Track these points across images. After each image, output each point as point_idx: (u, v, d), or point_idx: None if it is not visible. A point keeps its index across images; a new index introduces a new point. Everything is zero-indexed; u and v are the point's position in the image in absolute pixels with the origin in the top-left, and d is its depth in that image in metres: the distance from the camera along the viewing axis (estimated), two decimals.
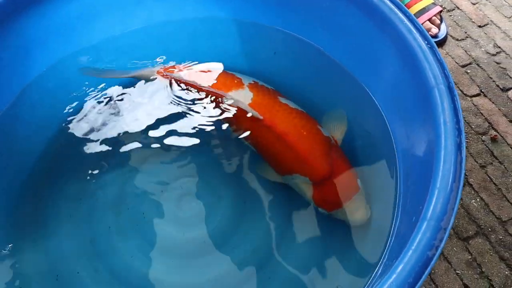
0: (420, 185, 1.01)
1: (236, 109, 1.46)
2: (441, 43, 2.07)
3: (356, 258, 1.22)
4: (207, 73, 1.56)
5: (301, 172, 1.33)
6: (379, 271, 1.05)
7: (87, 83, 1.58)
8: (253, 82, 1.51)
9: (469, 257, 1.51)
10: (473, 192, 1.64)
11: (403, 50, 1.23)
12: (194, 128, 1.50)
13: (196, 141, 1.47)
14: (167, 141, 1.48)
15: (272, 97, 1.46)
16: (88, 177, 1.45)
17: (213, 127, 1.50)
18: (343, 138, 1.41)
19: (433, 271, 1.47)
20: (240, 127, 1.47)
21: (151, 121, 1.51)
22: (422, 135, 1.12)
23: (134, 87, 1.59)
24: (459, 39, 2.10)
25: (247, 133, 1.44)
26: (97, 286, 1.27)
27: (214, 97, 1.50)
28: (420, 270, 0.85)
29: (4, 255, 1.29)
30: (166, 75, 1.57)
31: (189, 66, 1.59)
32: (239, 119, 1.45)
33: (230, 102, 1.47)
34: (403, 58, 1.23)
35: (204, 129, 1.50)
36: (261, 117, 1.39)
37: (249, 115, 1.42)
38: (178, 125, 1.49)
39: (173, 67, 1.59)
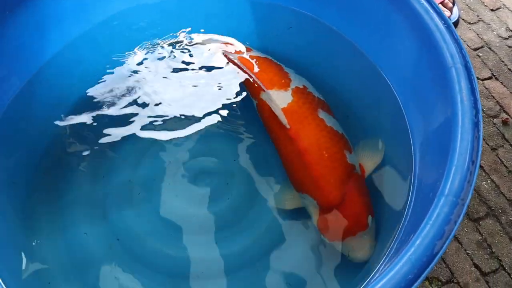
0: (437, 163, 1.02)
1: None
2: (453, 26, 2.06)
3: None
4: (260, 63, 1.51)
5: (311, 194, 1.28)
6: (394, 247, 1.07)
7: (103, 61, 1.58)
8: (301, 87, 1.44)
9: (480, 237, 1.52)
10: (484, 174, 1.65)
11: (419, 30, 1.23)
12: (214, 108, 1.51)
13: (213, 121, 1.49)
14: (184, 120, 1.49)
15: (311, 108, 1.37)
16: (103, 157, 1.47)
17: (234, 110, 1.51)
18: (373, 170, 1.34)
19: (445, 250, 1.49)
20: (266, 124, 1.44)
21: (169, 100, 1.53)
22: (438, 114, 1.13)
23: (147, 67, 1.61)
24: (471, 22, 2.09)
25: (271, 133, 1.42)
26: (112, 263, 1.29)
27: (255, 87, 1.47)
28: (438, 244, 0.86)
29: (21, 236, 1.32)
30: (226, 54, 1.57)
31: (251, 51, 1.56)
32: (269, 117, 1.41)
33: (265, 99, 1.42)
34: (420, 38, 1.23)
35: (224, 110, 1.51)
36: (288, 126, 1.34)
37: (280, 117, 1.36)
38: (196, 104, 1.51)
39: (237, 48, 1.57)
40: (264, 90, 1.43)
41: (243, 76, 1.51)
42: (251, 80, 1.48)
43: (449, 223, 0.88)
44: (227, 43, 1.60)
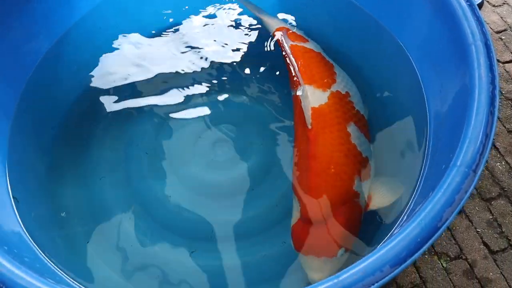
0: (451, 136, 1.05)
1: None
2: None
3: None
4: (309, 57, 1.46)
5: (298, 198, 1.25)
6: (406, 215, 1.10)
7: (127, 26, 1.62)
8: (343, 93, 1.37)
9: (490, 217, 1.54)
10: (499, 155, 1.67)
11: (441, 7, 1.24)
12: (235, 78, 1.55)
13: (230, 89, 1.53)
14: (205, 88, 1.53)
15: (341, 118, 1.30)
16: (126, 121, 1.52)
17: (258, 82, 1.55)
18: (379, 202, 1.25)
19: (453, 228, 1.52)
20: (294, 117, 1.39)
21: (192, 67, 1.57)
22: (455, 89, 1.14)
23: (175, 31, 1.64)
24: (496, 5, 2.08)
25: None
26: (131, 222, 1.35)
27: (295, 78, 1.42)
28: (448, 212, 0.89)
29: (45, 188, 1.37)
30: (279, 39, 1.52)
31: (306, 42, 1.51)
32: (298, 111, 1.36)
33: (299, 93, 1.38)
34: (442, 15, 1.24)
35: (246, 81, 1.55)
36: (309, 126, 1.29)
37: (306, 113, 1.32)
38: (219, 74, 1.56)
39: (293, 34, 1.53)
40: (300, 84, 1.39)
41: (289, 65, 1.47)
42: (293, 71, 1.44)
43: (460, 192, 0.91)
44: (287, 28, 1.56)
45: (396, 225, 1.12)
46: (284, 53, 1.49)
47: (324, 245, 1.16)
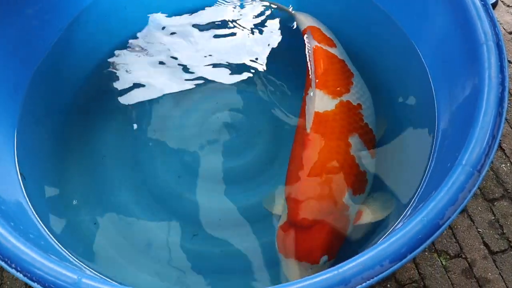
0: (459, 135, 1.05)
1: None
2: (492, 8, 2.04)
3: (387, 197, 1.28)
4: (329, 62, 1.42)
5: (288, 201, 1.25)
6: (409, 211, 1.11)
7: (141, 11, 1.63)
8: (354, 104, 1.33)
9: (493, 217, 1.55)
10: (504, 156, 1.67)
11: (455, 5, 1.24)
12: (250, 68, 1.55)
13: (243, 77, 1.53)
14: (214, 74, 1.54)
15: (345, 127, 1.27)
16: (134, 103, 1.53)
17: (274, 76, 1.55)
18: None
19: (455, 226, 1.52)
20: (301, 111, 1.38)
21: (204, 53, 1.57)
22: (465, 88, 1.15)
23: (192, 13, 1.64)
24: (511, 5, 2.07)
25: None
26: (138, 204, 1.37)
27: (308, 79, 1.40)
28: (450, 210, 0.90)
29: (52, 167, 1.39)
30: (305, 37, 1.49)
31: (333, 47, 1.47)
32: (302, 113, 1.36)
33: (310, 95, 1.36)
34: (455, 13, 1.24)
35: (261, 72, 1.55)
36: (307, 130, 1.28)
37: (308, 116, 1.31)
38: (231, 60, 1.56)
39: (321, 36, 1.48)
40: (310, 87, 1.37)
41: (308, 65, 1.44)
42: (310, 72, 1.41)
43: (463, 191, 0.92)
44: (317, 28, 1.51)
45: (399, 220, 1.13)
46: (306, 52, 1.47)
47: (307, 251, 1.15)
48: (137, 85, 1.54)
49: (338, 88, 1.34)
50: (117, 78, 1.56)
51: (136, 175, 1.42)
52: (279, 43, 1.62)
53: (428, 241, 0.87)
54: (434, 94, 1.32)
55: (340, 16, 1.64)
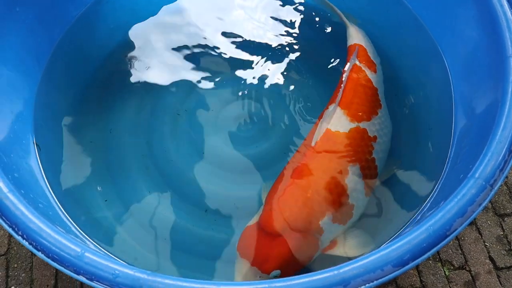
0: (475, 147, 1.04)
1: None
2: None
3: (397, 204, 1.27)
4: (361, 86, 1.33)
5: (265, 203, 1.22)
6: (419, 217, 1.10)
7: None
8: (370, 135, 1.26)
9: (501, 233, 1.53)
10: None
11: (485, 15, 1.22)
12: (274, 59, 1.54)
13: (264, 68, 1.53)
14: (234, 61, 1.55)
15: (349, 156, 1.21)
16: (151, 86, 1.53)
17: (297, 71, 1.54)
18: None
19: (462, 238, 1.51)
20: (317, 122, 1.32)
21: (227, 40, 1.57)
22: (486, 101, 1.13)
23: None
24: None
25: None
26: (146, 183, 1.38)
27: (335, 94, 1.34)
28: (458, 222, 0.89)
29: (67, 140, 1.41)
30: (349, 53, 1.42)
31: (372, 69, 1.39)
32: (315, 126, 1.30)
33: (329, 109, 1.30)
34: (484, 22, 1.22)
35: (285, 66, 1.55)
36: (313, 143, 1.23)
37: (319, 130, 1.26)
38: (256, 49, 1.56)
39: (365, 57, 1.40)
40: (335, 102, 1.30)
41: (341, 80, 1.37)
42: (339, 87, 1.34)
43: (473, 204, 0.91)
44: (364, 48, 1.43)
45: (407, 224, 1.13)
46: (346, 68, 1.40)
47: (262, 258, 1.12)
48: (157, 67, 1.55)
49: (360, 114, 1.28)
50: (138, 58, 1.57)
51: (148, 155, 1.43)
52: (306, 39, 1.61)
53: (432, 251, 0.86)
54: (453, 102, 1.30)
55: (370, 12, 1.62)
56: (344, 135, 1.23)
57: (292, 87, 1.53)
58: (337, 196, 1.17)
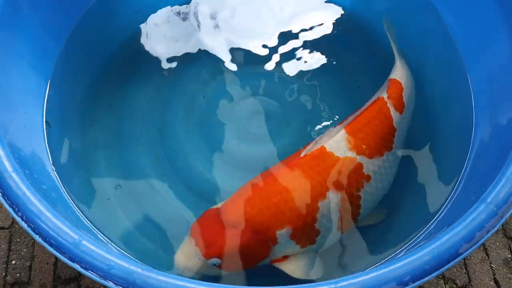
0: (490, 168, 1.01)
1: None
2: None
3: (404, 219, 1.25)
4: (378, 120, 1.23)
5: (236, 191, 1.19)
6: (422, 237, 1.08)
7: None
8: (364, 173, 1.17)
9: (509, 256, 1.50)
10: None
11: None
12: (292, 56, 1.52)
13: (283, 65, 1.51)
14: (252, 55, 1.52)
15: (334, 181, 1.13)
16: (165, 78, 1.52)
17: (318, 70, 1.52)
18: None
19: (468, 257, 1.48)
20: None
21: (246, 34, 1.55)
22: (507, 122, 1.09)
23: None
24: None
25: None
26: (154, 172, 1.37)
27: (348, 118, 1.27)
28: (464, 247, 0.86)
29: (78, 121, 1.40)
30: (385, 83, 1.33)
31: (399, 110, 1.27)
32: (316, 139, 1.24)
33: (333, 129, 1.24)
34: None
35: (305, 65, 1.52)
36: (302, 154, 1.17)
37: (314, 144, 1.20)
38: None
39: (397, 97, 1.29)
40: (342, 123, 1.25)
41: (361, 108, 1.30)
42: (355, 114, 1.27)
43: (482, 230, 0.87)
44: (400, 87, 1.32)
45: (411, 242, 1.10)
46: (371, 98, 1.32)
47: (207, 242, 1.09)
48: (176, 55, 1.54)
49: (364, 147, 1.18)
50: (156, 45, 1.55)
51: (159, 143, 1.43)
52: (337, 46, 1.58)
53: (434, 274, 0.84)
54: (474, 120, 1.26)
55: (396, 15, 1.57)
56: (336, 159, 1.15)
57: (314, 90, 1.51)
58: (304, 214, 1.11)
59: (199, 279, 1.07)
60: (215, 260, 1.09)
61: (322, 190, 1.12)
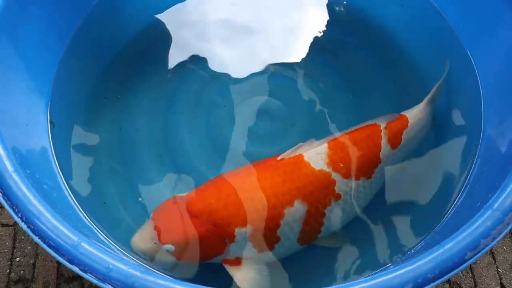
0: (496, 174, 0.99)
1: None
2: None
3: (405, 228, 1.22)
4: (367, 150, 1.19)
5: (206, 182, 1.19)
6: (424, 243, 1.06)
7: None
8: (336, 191, 1.13)
9: None
10: None
11: None
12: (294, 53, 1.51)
13: (288, 63, 1.49)
14: (257, 54, 1.51)
15: (304, 192, 1.11)
16: (170, 77, 1.51)
17: (322, 70, 1.51)
18: None
19: (474, 261, 1.46)
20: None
21: (249, 30, 1.55)
22: None
23: None
24: None
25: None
26: (157, 170, 1.37)
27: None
28: (469, 255, 0.85)
29: (82, 119, 1.40)
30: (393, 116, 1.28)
31: (394, 145, 1.23)
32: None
33: (316, 140, 1.22)
34: None
35: (310, 64, 1.51)
36: (279, 157, 1.16)
37: (294, 150, 1.18)
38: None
39: (399, 130, 1.24)
40: (327, 137, 1.22)
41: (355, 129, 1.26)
42: (345, 132, 1.24)
43: (487, 237, 0.86)
44: (406, 121, 1.27)
45: (413, 248, 1.09)
46: (373, 120, 1.28)
47: (165, 227, 1.09)
48: (181, 54, 1.53)
49: (341, 165, 1.15)
50: (163, 43, 1.54)
51: (162, 141, 1.42)
52: (336, 42, 1.57)
53: (437, 282, 0.82)
54: (482, 123, 1.24)
55: (401, 18, 1.56)
56: (311, 170, 1.12)
57: (318, 90, 1.50)
58: (268, 217, 1.09)
59: (155, 265, 1.09)
60: (169, 246, 1.07)
61: (290, 197, 1.10)
